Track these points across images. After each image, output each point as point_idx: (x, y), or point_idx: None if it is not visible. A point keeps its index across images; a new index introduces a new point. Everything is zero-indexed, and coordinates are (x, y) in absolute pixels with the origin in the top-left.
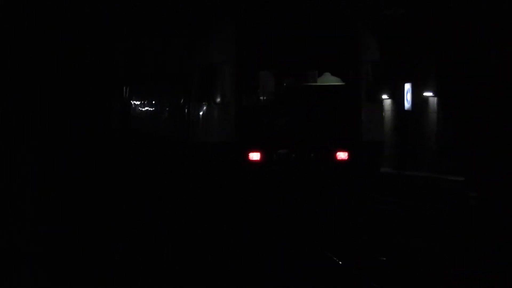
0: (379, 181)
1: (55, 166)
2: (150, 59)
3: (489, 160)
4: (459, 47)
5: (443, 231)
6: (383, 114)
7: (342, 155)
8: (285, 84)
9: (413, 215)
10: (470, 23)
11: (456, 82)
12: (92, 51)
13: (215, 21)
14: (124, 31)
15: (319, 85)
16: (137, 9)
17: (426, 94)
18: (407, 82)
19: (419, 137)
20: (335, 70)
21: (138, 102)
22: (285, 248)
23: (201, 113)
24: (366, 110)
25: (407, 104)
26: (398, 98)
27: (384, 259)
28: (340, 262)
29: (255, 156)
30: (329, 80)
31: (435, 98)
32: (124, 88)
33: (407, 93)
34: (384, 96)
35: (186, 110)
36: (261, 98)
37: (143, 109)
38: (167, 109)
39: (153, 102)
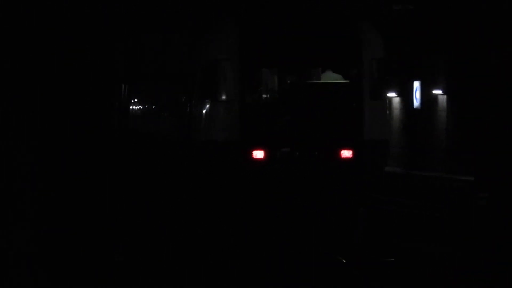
0: (384, 180)
1: (55, 166)
2: (151, 57)
3: (499, 160)
4: (469, 45)
5: (452, 232)
6: (387, 112)
7: (346, 153)
8: (288, 82)
9: (421, 215)
10: (480, 20)
11: (466, 80)
12: (92, 50)
13: (217, 18)
14: (125, 29)
15: (322, 83)
16: (138, 7)
17: (435, 92)
18: (416, 80)
19: (428, 136)
20: (338, 68)
21: (139, 101)
22: (286, 248)
23: (203, 111)
24: (370, 108)
25: (416, 102)
26: (407, 96)
27: (393, 260)
28: (344, 261)
29: (258, 154)
30: (331, 77)
31: (445, 96)
32: (124, 87)
33: (416, 91)
34: (393, 94)
35: (188, 108)
36: (264, 96)
37: (144, 108)
38: (169, 107)
39: (155, 100)
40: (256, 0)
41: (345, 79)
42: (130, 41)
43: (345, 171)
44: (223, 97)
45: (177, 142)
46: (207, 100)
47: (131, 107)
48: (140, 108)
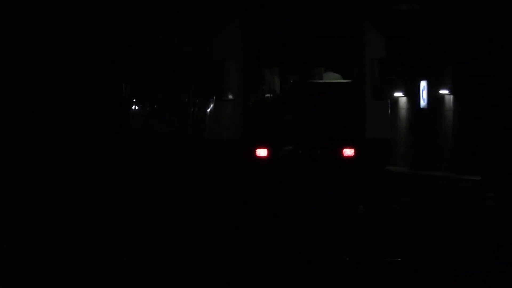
0: (385, 178)
1: (57, 166)
2: (155, 56)
3: (506, 160)
4: (475, 45)
5: (459, 232)
6: (389, 111)
7: (348, 152)
8: (291, 81)
9: (428, 215)
10: (487, 20)
11: (473, 79)
12: (94, 49)
13: (221, 18)
14: (128, 29)
15: (325, 82)
16: (143, 7)
17: (442, 91)
18: (423, 79)
19: (435, 136)
20: (340, 67)
21: (142, 100)
22: (286, 248)
23: (207, 110)
24: (372, 108)
25: (423, 102)
26: (413, 96)
27: (399, 259)
28: (347, 259)
29: (261, 152)
30: (332, 77)
31: (451, 96)
32: (128, 86)
33: (422, 91)
34: (400, 94)
35: (191, 107)
36: (267, 95)
37: (147, 107)
38: (173, 106)
39: (158, 99)
40: (259, 0)
41: (347, 79)
42: (135, 40)
43: (347, 170)
44: (227, 96)
45: (181, 141)
46: (210, 99)
47: (134, 106)
48: (143, 107)
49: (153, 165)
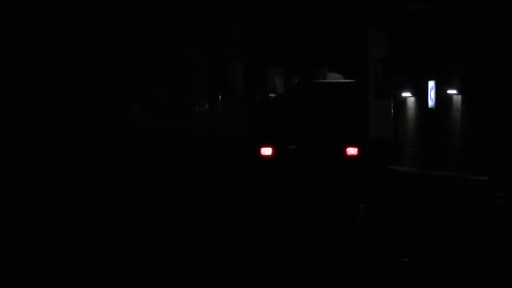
0: (389, 177)
1: (57, 166)
2: (158, 56)
3: None
4: (484, 44)
5: (467, 232)
6: (392, 111)
7: (351, 151)
8: (295, 81)
9: (436, 215)
10: (495, 20)
11: (481, 79)
12: (95, 49)
13: (226, 18)
14: (131, 26)
15: (328, 82)
16: (145, 6)
17: (450, 91)
18: (431, 79)
19: (443, 136)
20: (343, 67)
21: (143, 100)
22: (287, 248)
23: (211, 109)
24: (374, 107)
25: (431, 102)
26: (421, 95)
27: (407, 259)
28: (348, 258)
29: (266, 151)
30: (335, 78)
31: (459, 96)
32: (128, 86)
33: (430, 90)
34: (407, 94)
35: (196, 106)
36: (272, 94)
37: (148, 107)
38: (175, 105)
39: (160, 99)
40: (264, 0)
41: (350, 79)
42: (136, 40)
43: (351, 168)
44: (232, 95)
45: (184, 140)
46: (215, 98)
47: (136, 106)
48: (145, 106)
49: (154, 164)
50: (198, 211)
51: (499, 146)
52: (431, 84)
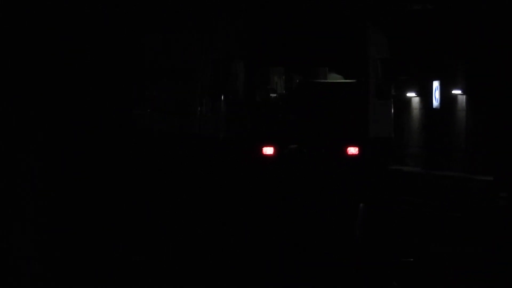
0: (389, 177)
1: (57, 166)
2: (159, 56)
3: None
4: (488, 44)
5: (471, 232)
6: (392, 111)
7: (352, 150)
8: (296, 81)
9: (440, 215)
10: (499, 20)
11: (486, 79)
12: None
13: (227, 18)
14: (131, 26)
15: (329, 82)
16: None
17: (454, 92)
18: (436, 79)
19: (448, 136)
20: (344, 67)
21: (144, 99)
22: (287, 248)
23: (215, 108)
24: (375, 107)
25: (436, 102)
26: (426, 95)
27: (412, 259)
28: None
29: (268, 150)
30: (335, 79)
31: (464, 96)
32: (128, 86)
33: (435, 90)
34: (412, 94)
35: (198, 105)
36: (273, 94)
37: (149, 107)
38: (176, 105)
39: (161, 99)
40: (266, 3)
41: (350, 79)
42: (136, 40)
43: (352, 168)
44: (234, 95)
45: (185, 140)
46: (216, 98)
47: (136, 106)
48: (145, 106)
49: (155, 164)
50: (199, 211)
51: (504, 146)
52: (436, 84)
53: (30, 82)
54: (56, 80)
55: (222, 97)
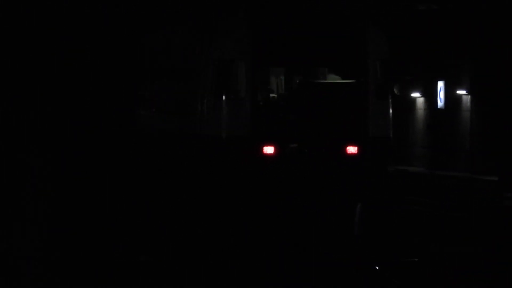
0: (388, 176)
1: (57, 166)
2: (160, 56)
3: None
4: (493, 45)
5: (476, 232)
6: (391, 110)
7: (352, 150)
8: (297, 81)
9: (445, 215)
10: (504, 20)
11: (490, 80)
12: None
13: (229, 18)
14: (131, 26)
15: (329, 82)
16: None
17: (459, 92)
18: (440, 80)
19: (452, 136)
20: (344, 67)
21: (144, 99)
22: (287, 248)
23: (216, 108)
24: (374, 107)
25: (440, 103)
26: (431, 96)
27: (416, 260)
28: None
29: (268, 150)
30: (333, 79)
31: (469, 96)
32: (129, 86)
33: (440, 91)
34: (417, 94)
35: (199, 105)
36: (274, 94)
37: (150, 106)
38: (181, 104)
39: (162, 99)
40: (267, 3)
41: (350, 78)
42: (137, 40)
43: (351, 167)
44: (236, 95)
45: (187, 139)
46: (218, 98)
47: (137, 106)
48: (146, 106)
49: (156, 164)
50: (199, 211)
51: (509, 146)
52: (441, 84)
53: (30, 82)
54: (56, 80)
55: (224, 97)
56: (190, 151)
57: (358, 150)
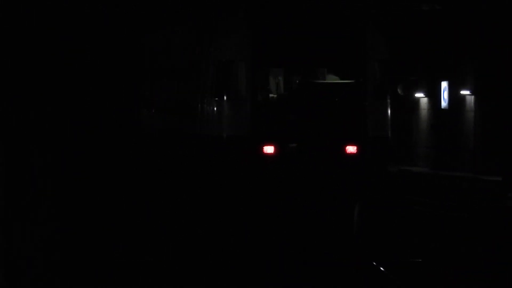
0: (387, 175)
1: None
2: (164, 56)
3: None
4: (497, 45)
5: (479, 232)
6: (389, 110)
7: (351, 149)
8: (296, 81)
9: (448, 215)
10: (508, 20)
11: (494, 80)
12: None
13: (230, 20)
14: (131, 27)
15: (328, 83)
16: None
17: (463, 92)
18: (444, 80)
19: (456, 136)
20: (344, 67)
21: (145, 99)
22: (287, 248)
23: (216, 108)
24: (373, 107)
25: (444, 103)
26: (434, 96)
27: (420, 260)
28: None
29: (269, 149)
30: (332, 79)
31: (472, 97)
32: (129, 86)
33: (444, 91)
34: (421, 94)
35: (200, 105)
36: (274, 94)
37: (153, 106)
38: (182, 104)
39: (165, 98)
40: (268, 2)
41: (350, 78)
42: (137, 41)
43: (350, 166)
44: (236, 95)
45: (187, 139)
46: (219, 98)
47: (137, 105)
48: (147, 106)
49: (156, 163)
50: (199, 211)
51: None
52: (444, 84)
53: (30, 82)
54: (56, 80)
55: (225, 97)
56: (190, 151)
57: (357, 149)
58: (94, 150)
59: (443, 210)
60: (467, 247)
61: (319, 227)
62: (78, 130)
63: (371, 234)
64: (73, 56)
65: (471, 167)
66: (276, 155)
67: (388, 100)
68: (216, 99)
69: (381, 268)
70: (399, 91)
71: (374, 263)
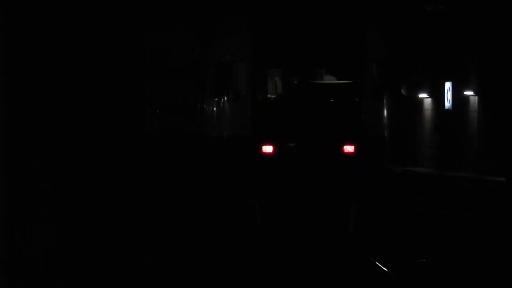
0: (384, 174)
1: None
2: (165, 56)
3: None
4: (501, 45)
5: (483, 233)
6: (385, 110)
7: (348, 148)
8: (295, 82)
9: (452, 216)
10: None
11: (498, 80)
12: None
13: (230, 17)
14: (132, 27)
15: (326, 83)
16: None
17: (467, 93)
18: (448, 80)
19: (460, 137)
20: (342, 68)
21: (146, 100)
22: (288, 247)
23: (216, 108)
24: (370, 107)
25: (448, 103)
26: (438, 97)
27: (424, 260)
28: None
29: (268, 148)
30: (329, 80)
31: (476, 97)
32: (130, 86)
33: (447, 92)
34: (424, 95)
35: (200, 105)
36: (273, 95)
37: (154, 106)
38: (183, 104)
39: (166, 98)
40: (268, 2)
41: (348, 79)
42: (138, 41)
43: (348, 165)
44: (236, 95)
45: (189, 138)
46: (220, 98)
47: (138, 106)
48: (147, 106)
49: (157, 163)
50: (200, 211)
51: None
52: (448, 85)
53: (30, 82)
54: (56, 80)
55: (226, 98)
56: (191, 151)
57: (354, 148)
58: (94, 150)
59: (445, 210)
60: (469, 247)
61: (318, 226)
62: (78, 130)
63: (368, 233)
64: (73, 56)
65: (475, 167)
66: (275, 154)
67: (384, 101)
68: (216, 99)
69: (382, 268)
70: (402, 91)
71: (377, 263)
